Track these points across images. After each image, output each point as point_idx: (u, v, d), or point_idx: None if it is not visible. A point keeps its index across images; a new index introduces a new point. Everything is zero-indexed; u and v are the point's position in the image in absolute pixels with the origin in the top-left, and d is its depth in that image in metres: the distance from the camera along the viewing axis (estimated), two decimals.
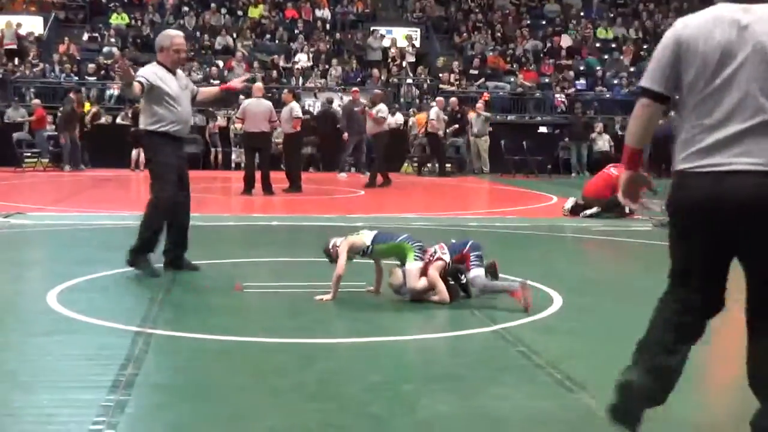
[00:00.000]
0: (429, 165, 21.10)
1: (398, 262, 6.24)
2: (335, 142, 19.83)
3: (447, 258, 6.16)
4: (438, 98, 21.42)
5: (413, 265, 6.08)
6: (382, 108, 16.97)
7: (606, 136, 22.19)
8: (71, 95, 20.76)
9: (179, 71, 7.15)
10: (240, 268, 7.63)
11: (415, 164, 21.86)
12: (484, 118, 21.28)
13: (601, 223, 11.43)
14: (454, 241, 6.41)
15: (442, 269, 6.11)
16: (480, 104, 21.54)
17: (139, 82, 6.73)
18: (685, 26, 3.25)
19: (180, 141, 7.14)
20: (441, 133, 20.29)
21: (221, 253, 8.34)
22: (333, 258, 6.28)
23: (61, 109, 20.43)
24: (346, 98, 23.59)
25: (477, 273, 6.12)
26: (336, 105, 22.58)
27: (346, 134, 18.97)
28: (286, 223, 11.26)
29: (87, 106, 21.56)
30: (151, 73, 6.89)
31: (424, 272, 6.10)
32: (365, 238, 6.24)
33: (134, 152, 19.93)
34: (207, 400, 4.01)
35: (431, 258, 6.16)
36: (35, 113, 20.74)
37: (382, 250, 6.25)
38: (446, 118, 20.68)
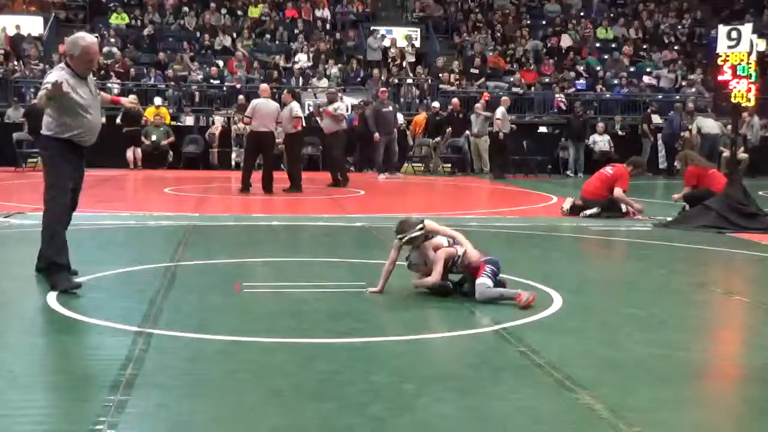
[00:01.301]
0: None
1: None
2: (371, 144, 19.80)
3: (461, 251, 6.42)
4: (504, 98, 21.46)
5: (439, 238, 6.51)
6: (339, 106, 16.97)
7: (606, 137, 22.18)
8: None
9: (89, 76, 6.70)
10: (240, 268, 7.63)
11: (415, 165, 21.84)
12: (483, 118, 21.26)
13: (600, 223, 11.42)
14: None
15: (450, 256, 6.37)
16: (480, 104, 21.54)
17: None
18: None
19: (82, 150, 6.62)
20: (505, 132, 20.32)
21: (221, 253, 8.34)
22: (427, 233, 6.46)
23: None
24: (347, 98, 23.65)
25: (481, 282, 6.23)
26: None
27: (377, 135, 19.02)
28: (286, 223, 11.26)
29: None
30: (62, 80, 6.34)
31: (436, 249, 6.42)
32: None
33: (129, 152, 20.06)
34: (207, 400, 4.01)
35: (450, 244, 6.49)
36: None
37: None
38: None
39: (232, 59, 24.98)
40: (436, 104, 22.47)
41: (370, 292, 6.43)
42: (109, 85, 22.71)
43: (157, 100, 22.23)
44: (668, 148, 21.78)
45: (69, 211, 6.66)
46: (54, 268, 6.46)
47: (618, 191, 12.03)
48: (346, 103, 20.38)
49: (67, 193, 6.53)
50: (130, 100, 8.27)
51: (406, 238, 6.43)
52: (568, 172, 21.47)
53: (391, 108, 19.66)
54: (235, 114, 20.94)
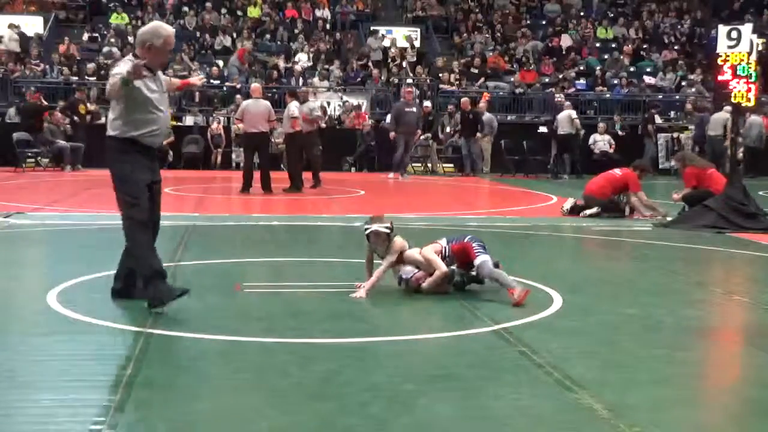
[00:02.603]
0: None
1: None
2: (390, 143, 19.81)
3: (444, 243, 6.60)
4: (567, 102, 21.57)
5: (428, 248, 6.60)
6: (315, 108, 16.95)
7: (607, 136, 22.17)
8: (28, 97, 21.09)
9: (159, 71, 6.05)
10: (240, 268, 7.63)
11: (415, 165, 21.82)
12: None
13: (601, 223, 11.43)
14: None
15: (438, 251, 6.50)
16: (481, 104, 21.52)
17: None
18: None
19: (152, 152, 5.96)
20: (574, 132, 20.57)
21: (221, 253, 8.34)
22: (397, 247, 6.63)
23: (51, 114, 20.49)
24: (346, 98, 23.67)
25: (483, 259, 6.38)
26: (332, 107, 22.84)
27: (393, 133, 19.07)
28: (286, 223, 11.26)
29: (83, 108, 21.48)
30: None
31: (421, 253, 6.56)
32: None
33: None
34: (207, 400, 4.01)
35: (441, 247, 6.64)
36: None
37: None
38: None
39: (243, 47, 25.01)
40: (426, 104, 22.46)
41: (364, 292, 6.37)
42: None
43: None
44: (698, 149, 21.60)
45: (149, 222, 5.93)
46: (153, 279, 5.75)
47: (640, 196, 12.02)
48: (322, 102, 20.44)
49: (140, 201, 5.79)
50: (200, 78, 7.74)
51: (370, 230, 6.50)
52: (564, 176, 21.24)
53: (414, 109, 19.63)
54: (234, 114, 20.97)
